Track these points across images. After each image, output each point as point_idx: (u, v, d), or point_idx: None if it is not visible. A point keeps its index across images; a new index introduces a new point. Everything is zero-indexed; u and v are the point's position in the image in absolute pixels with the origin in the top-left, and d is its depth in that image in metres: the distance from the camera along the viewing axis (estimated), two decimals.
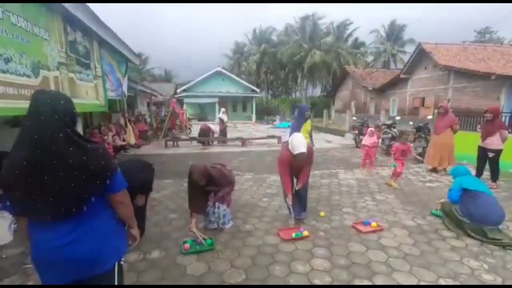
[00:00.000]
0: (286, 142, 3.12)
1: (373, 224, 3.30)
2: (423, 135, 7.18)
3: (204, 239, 2.90)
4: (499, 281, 2.32)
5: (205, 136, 10.99)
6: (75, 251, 1.27)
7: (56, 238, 1.26)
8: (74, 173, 1.24)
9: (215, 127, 11.96)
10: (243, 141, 10.69)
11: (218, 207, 3.23)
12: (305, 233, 3.08)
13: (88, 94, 4.75)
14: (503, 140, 4.86)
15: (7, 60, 2.81)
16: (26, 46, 3.10)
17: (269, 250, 2.84)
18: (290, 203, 3.33)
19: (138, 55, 9.92)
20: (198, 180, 2.99)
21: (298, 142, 2.93)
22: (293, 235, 3.06)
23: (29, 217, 1.31)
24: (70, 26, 4.15)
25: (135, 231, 1.61)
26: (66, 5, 3.68)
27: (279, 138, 11.35)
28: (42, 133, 1.21)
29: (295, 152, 3.03)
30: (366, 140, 6.36)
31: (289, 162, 3.20)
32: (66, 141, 1.24)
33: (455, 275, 2.41)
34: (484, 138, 5.00)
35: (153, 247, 2.89)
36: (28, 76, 3.16)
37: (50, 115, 1.22)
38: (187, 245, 2.81)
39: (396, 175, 5.02)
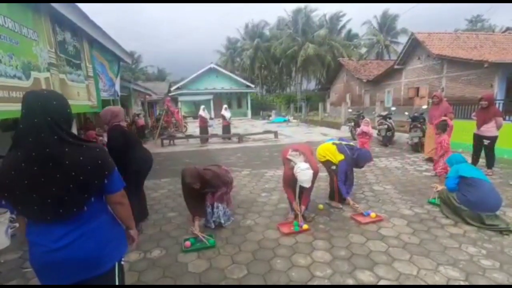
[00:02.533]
0: (292, 163, 3.11)
1: (372, 214, 3.32)
2: (419, 125, 7.22)
3: (207, 239, 2.88)
4: (497, 266, 2.36)
5: (205, 132, 10.93)
6: (73, 253, 1.25)
7: (53, 241, 1.24)
8: (71, 174, 1.21)
9: (205, 114, 11.62)
10: (240, 138, 10.68)
11: (217, 207, 3.21)
12: (305, 226, 3.10)
13: (80, 95, 4.67)
14: (499, 127, 4.90)
15: None
16: (15, 47, 3.02)
17: (270, 245, 2.85)
18: (297, 211, 3.26)
19: (131, 54, 9.78)
20: (191, 183, 2.94)
21: (304, 179, 2.96)
22: (293, 228, 3.07)
23: (29, 217, 1.28)
24: (59, 26, 4.06)
25: (133, 232, 1.59)
26: (55, 5, 3.59)
27: (275, 132, 11.36)
28: (35, 136, 1.18)
29: (299, 183, 3.05)
30: (364, 127, 6.50)
31: (291, 179, 3.22)
32: (60, 143, 1.21)
33: (454, 261, 2.44)
34: (479, 125, 5.03)
35: (153, 246, 2.88)
36: (19, 78, 3.08)
37: (42, 117, 1.19)
38: (188, 243, 2.81)
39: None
